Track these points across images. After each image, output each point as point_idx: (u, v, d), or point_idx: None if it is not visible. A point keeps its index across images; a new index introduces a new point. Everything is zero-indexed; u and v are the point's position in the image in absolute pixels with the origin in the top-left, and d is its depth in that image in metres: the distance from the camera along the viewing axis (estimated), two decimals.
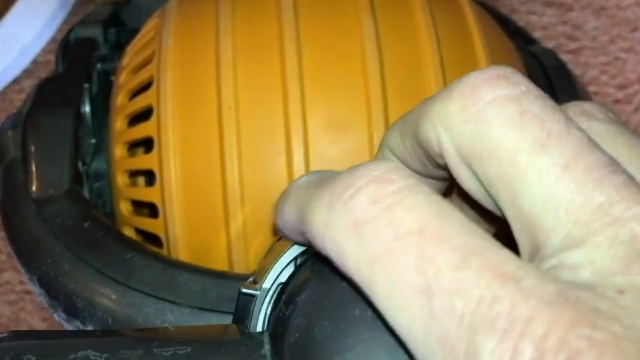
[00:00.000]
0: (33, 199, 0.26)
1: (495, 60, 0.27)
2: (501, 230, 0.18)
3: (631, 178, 0.14)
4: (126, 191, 0.28)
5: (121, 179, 0.28)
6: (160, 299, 0.23)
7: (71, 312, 0.24)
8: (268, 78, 0.25)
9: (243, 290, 0.19)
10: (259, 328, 0.19)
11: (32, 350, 0.17)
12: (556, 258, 0.13)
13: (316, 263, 0.18)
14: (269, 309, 0.19)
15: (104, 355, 0.17)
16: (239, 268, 0.26)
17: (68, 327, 0.25)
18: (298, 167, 0.25)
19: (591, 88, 0.47)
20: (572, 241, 0.13)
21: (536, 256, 0.14)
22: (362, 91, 0.25)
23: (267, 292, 0.19)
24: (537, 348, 0.11)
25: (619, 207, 0.13)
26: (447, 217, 0.14)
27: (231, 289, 0.23)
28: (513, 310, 0.12)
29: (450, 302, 0.12)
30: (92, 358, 0.17)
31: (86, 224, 0.25)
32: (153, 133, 0.27)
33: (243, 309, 0.20)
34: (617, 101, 0.45)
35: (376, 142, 0.24)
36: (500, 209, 0.15)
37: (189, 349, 0.18)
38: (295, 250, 0.20)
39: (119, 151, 0.28)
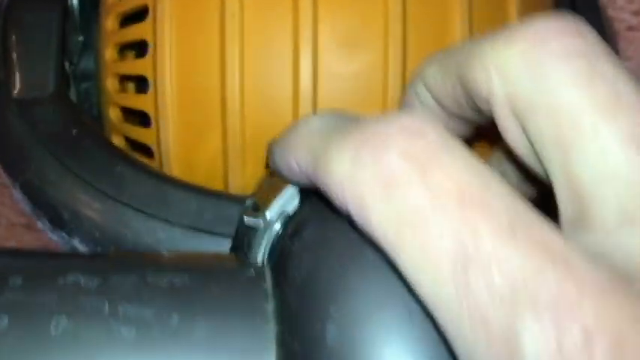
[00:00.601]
0: (15, 100, 0.25)
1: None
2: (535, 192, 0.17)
3: None
4: (116, 97, 0.26)
5: (110, 84, 0.26)
6: (152, 216, 0.22)
7: (57, 223, 0.23)
8: None
9: (246, 220, 0.18)
10: (259, 260, 0.18)
11: (19, 271, 0.16)
12: (606, 233, 0.12)
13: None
14: (272, 241, 0.18)
15: (95, 280, 0.16)
16: (234, 187, 0.25)
17: (52, 237, 0.24)
18: (305, 84, 0.23)
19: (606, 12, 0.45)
20: (626, 218, 0.12)
21: (579, 226, 0.13)
22: (380, 6, 0.23)
23: (271, 224, 0.18)
24: (584, 334, 0.10)
25: None
26: (488, 182, 0.12)
27: (229, 210, 0.22)
28: (561, 292, 0.11)
29: (490, 276, 0.11)
30: (82, 284, 0.16)
31: (74, 131, 0.24)
32: (148, 37, 0.25)
33: (243, 238, 0.19)
34: (630, 28, 0.44)
35: (392, 63, 0.22)
36: (545, 171, 0.13)
37: (185, 279, 0.17)
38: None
39: (109, 53, 0.26)
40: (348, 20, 0.23)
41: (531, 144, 0.14)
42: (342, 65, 0.22)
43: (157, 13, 0.24)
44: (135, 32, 0.25)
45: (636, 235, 0.12)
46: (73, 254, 0.18)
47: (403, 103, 0.18)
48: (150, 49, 0.25)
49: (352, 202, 0.13)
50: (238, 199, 0.22)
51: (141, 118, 0.26)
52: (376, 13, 0.23)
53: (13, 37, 0.26)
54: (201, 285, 0.16)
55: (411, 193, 0.12)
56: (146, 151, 0.26)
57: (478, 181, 0.12)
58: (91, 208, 0.22)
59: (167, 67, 0.24)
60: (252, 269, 0.17)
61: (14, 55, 0.25)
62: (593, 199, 0.13)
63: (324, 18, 0.23)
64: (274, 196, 0.18)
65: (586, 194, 0.13)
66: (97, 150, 0.23)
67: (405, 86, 0.22)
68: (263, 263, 0.18)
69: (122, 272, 0.16)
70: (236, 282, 0.17)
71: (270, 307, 0.16)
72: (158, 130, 0.25)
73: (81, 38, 0.29)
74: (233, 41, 0.23)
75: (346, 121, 0.15)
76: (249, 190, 0.25)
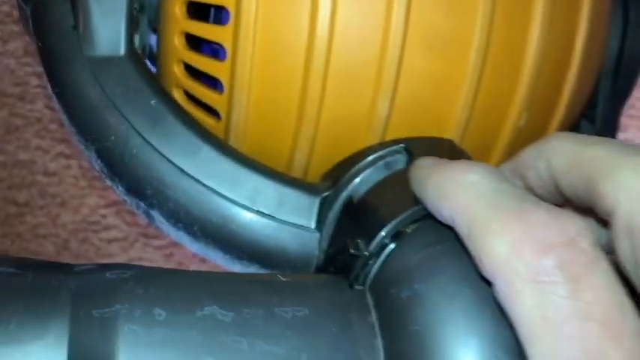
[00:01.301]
0: (87, 58, 0.24)
1: None
2: None
3: None
4: (185, 54, 0.26)
5: (178, 41, 0.26)
6: (236, 203, 0.23)
7: (138, 195, 0.23)
8: None
9: (351, 252, 0.19)
10: (359, 285, 0.19)
11: (160, 303, 0.17)
12: None
13: (445, 255, 0.18)
14: (373, 269, 0.19)
15: (230, 315, 0.17)
16: (300, 161, 0.26)
17: (128, 200, 0.24)
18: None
19: None
20: None
21: None
22: None
23: (373, 256, 0.19)
24: None
25: None
26: (626, 309, 0.14)
27: (307, 201, 0.23)
28: None
29: None
30: (219, 317, 0.17)
31: (153, 102, 0.23)
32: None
33: (341, 260, 0.20)
34: None
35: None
36: None
37: (306, 311, 0.18)
38: (403, 219, 0.20)
39: (179, 9, 0.25)
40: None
41: (637, 263, 0.16)
42: None
43: None
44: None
45: None
46: (204, 277, 0.18)
47: (518, 162, 0.19)
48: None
49: (502, 284, 0.15)
50: (316, 190, 0.23)
51: (210, 81, 0.26)
52: None
53: None
54: (319, 319, 0.18)
55: (560, 301, 0.14)
56: (209, 109, 0.27)
57: (619, 308, 0.14)
58: (176, 189, 0.23)
59: (250, 39, 0.24)
60: (358, 300, 0.19)
61: (82, 5, 0.24)
62: None
63: None
64: (379, 225, 0.19)
65: None
66: (181, 128, 0.23)
67: None
68: (364, 291, 0.19)
69: (252, 305, 0.18)
70: (347, 316, 0.18)
71: (379, 343, 0.18)
72: (231, 97, 0.25)
73: None
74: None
75: (509, 192, 0.16)
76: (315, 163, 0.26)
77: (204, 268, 0.55)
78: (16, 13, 0.53)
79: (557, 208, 0.16)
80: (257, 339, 0.17)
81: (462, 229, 0.17)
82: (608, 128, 0.32)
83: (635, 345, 0.14)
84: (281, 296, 0.18)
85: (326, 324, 0.18)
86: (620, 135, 0.54)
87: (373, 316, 0.19)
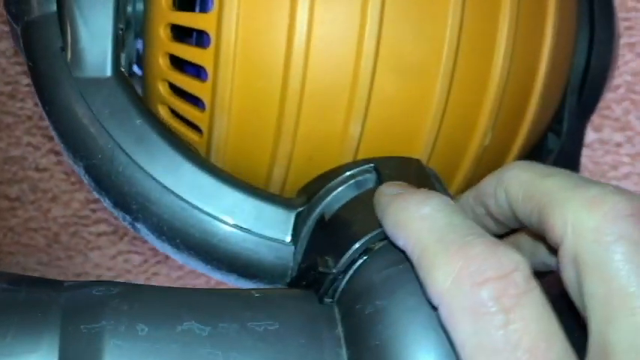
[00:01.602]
0: (74, 79, 0.25)
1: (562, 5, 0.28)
2: None
3: None
4: (168, 74, 0.27)
5: (162, 61, 0.27)
6: (216, 219, 0.24)
7: (123, 209, 0.25)
8: None
9: (320, 270, 0.21)
10: (327, 299, 0.21)
11: (143, 319, 0.19)
12: None
13: (406, 273, 0.20)
14: (341, 285, 0.21)
15: (207, 329, 0.19)
16: (278, 176, 0.27)
17: (115, 213, 0.26)
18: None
19: None
20: None
21: None
22: None
23: (340, 274, 0.21)
24: None
25: None
26: (554, 338, 0.16)
27: (286, 216, 0.25)
28: None
29: None
30: (197, 331, 0.19)
31: (138, 122, 0.25)
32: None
33: (311, 276, 0.22)
34: None
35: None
36: (586, 318, 0.17)
37: (276, 325, 0.20)
38: (370, 239, 0.21)
39: (163, 31, 0.27)
40: None
41: (581, 292, 0.17)
42: None
43: None
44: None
45: None
46: (184, 294, 0.20)
47: (479, 190, 0.21)
48: (214, 6, 0.25)
49: (444, 311, 0.17)
50: (292, 205, 0.25)
51: (193, 99, 0.28)
52: None
53: (70, 1, 0.26)
54: (289, 332, 0.20)
55: (493, 330, 0.16)
56: (193, 125, 0.28)
57: (547, 337, 0.16)
58: (160, 204, 0.24)
59: (230, 62, 0.25)
60: (326, 314, 0.20)
61: (70, 28, 0.26)
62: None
63: None
64: (345, 246, 0.21)
65: (612, 352, 0.16)
66: (165, 146, 0.24)
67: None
68: (333, 304, 0.21)
69: (226, 319, 0.19)
70: (315, 328, 0.20)
71: (344, 353, 0.20)
72: (212, 115, 0.26)
73: None
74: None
75: (457, 226, 0.18)
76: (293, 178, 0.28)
77: None
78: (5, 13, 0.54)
79: (498, 243, 0.17)
80: (231, 351, 0.19)
81: (413, 257, 0.18)
82: (573, 141, 0.34)
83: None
84: (254, 311, 0.20)
85: (295, 336, 0.20)
86: (595, 135, 0.56)
87: (340, 329, 0.20)
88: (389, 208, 0.20)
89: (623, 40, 0.53)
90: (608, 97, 0.55)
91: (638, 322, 0.16)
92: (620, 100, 0.55)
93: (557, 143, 0.34)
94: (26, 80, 0.55)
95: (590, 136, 0.55)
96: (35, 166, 0.58)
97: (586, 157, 0.55)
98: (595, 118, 0.55)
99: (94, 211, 0.59)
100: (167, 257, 0.62)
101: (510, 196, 0.20)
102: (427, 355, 0.18)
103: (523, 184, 0.19)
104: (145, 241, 0.65)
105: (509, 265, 0.17)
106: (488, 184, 0.21)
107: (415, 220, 0.19)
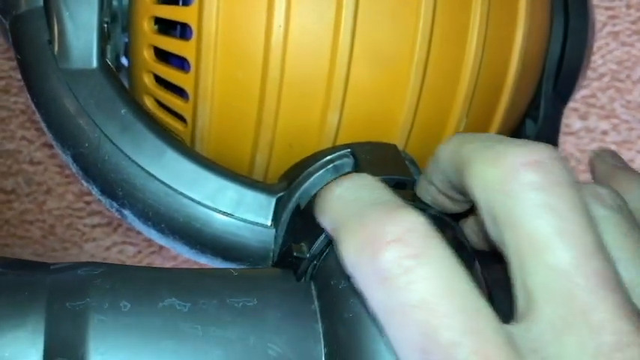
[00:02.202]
0: (61, 70, 0.26)
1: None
2: None
3: (628, 299, 0.17)
4: (152, 66, 0.28)
5: (147, 54, 0.28)
6: (199, 203, 0.25)
7: (110, 195, 0.26)
8: None
9: (295, 255, 0.22)
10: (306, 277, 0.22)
11: (126, 296, 0.20)
12: (542, 334, 0.16)
13: None
14: (316, 265, 0.22)
15: (187, 305, 0.20)
16: (260, 163, 0.28)
17: (102, 200, 0.27)
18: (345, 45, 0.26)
19: None
20: (562, 327, 0.16)
21: (527, 317, 0.17)
22: None
23: (315, 257, 0.22)
24: None
25: (608, 328, 0.16)
26: (459, 292, 0.16)
27: (266, 201, 0.25)
28: None
29: None
30: (177, 307, 0.20)
31: (123, 111, 0.26)
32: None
33: (290, 259, 0.23)
34: None
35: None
36: (508, 263, 0.18)
37: (255, 301, 0.21)
38: None
39: (147, 23, 0.28)
40: None
41: (500, 244, 0.18)
42: None
43: None
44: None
45: (566, 344, 0.16)
46: (164, 274, 0.21)
47: (427, 169, 0.22)
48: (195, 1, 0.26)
49: (358, 280, 0.18)
50: (273, 190, 0.26)
51: (177, 90, 0.29)
52: None
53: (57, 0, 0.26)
54: (267, 307, 0.21)
55: (397, 292, 0.17)
56: (178, 115, 0.29)
57: (447, 291, 0.16)
58: (145, 190, 0.25)
59: (211, 54, 0.26)
60: (302, 291, 0.21)
61: (57, 21, 0.26)
62: (539, 304, 0.17)
63: None
64: (319, 230, 0.22)
65: (534, 298, 0.17)
66: (149, 134, 0.25)
67: None
68: (309, 282, 0.22)
69: (207, 296, 0.20)
70: (292, 304, 0.21)
71: (319, 327, 0.21)
72: (196, 105, 0.27)
73: None
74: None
75: (364, 199, 0.18)
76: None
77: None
78: None
79: (396, 206, 0.18)
80: (211, 325, 0.20)
81: (333, 238, 0.19)
82: (550, 127, 0.35)
83: (469, 316, 0.16)
84: (233, 288, 0.21)
85: (272, 311, 0.21)
86: (581, 123, 0.57)
87: (316, 304, 0.21)
88: (321, 192, 0.20)
89: (607, 29, 0.54)
90: (594, 85, 0.56)
91: (547, 262, 0.17)
92: (605, 88, 0.56)
93: (535, 129, 0.35)
94: (19, 75, 0.56)
95: (576, 124, 0.56)
96: (30, 160, 0.59)
97: (572, 144, 0.56)
98: (581, 107, 0.56)
99: (88, 203, 0.60)
100: (161, 248, 0.63)
101: (444, 168, 0.20)
102: None
103: (449, 152, 0.20)
104: (139, 233, 0.66)
105: (404, 226, 0.17)
106: (430, 160, 0.21)
107: (329, 201, 0.19)
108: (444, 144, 0.20)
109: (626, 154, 0.56)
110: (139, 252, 0.60)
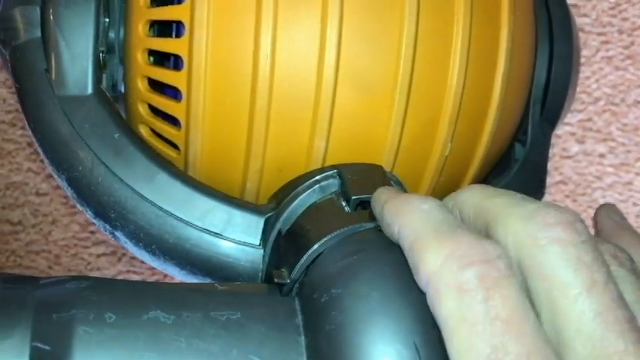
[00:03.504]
0: (57, 97, 0.27)
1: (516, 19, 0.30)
2: None
3: None
4: (146, 95, 0.29)
5: (141, 84, 0.29)
6: (189, 224, 0.26)
7: (103, 218, 0.27)
8: None
9: (276, 280, 0.23)
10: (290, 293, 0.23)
11: (112, 308, 0.20)
12: None
13: (360, 263, 0.21)
14: (300, 278, 0.23)
15: (172, 317, 0.21)
16: (250, 189, 0.29)
17: (96, 222, 0.27)
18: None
19: None
20: None
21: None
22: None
23: (295, 282, 0.22)
24: None
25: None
26: (528, 315, 0.18)
27: (254, 221, 0.26)
28: None
29: None
30: (162, 320, 0.20)
31: (116, 135, 0.27)
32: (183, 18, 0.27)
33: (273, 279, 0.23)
34: None
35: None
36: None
37: (238, 315, 0.21)
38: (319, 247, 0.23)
39: (141, 56, 0.29)
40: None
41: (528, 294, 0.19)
42: None
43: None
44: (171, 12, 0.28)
45: None
46: (150, 287, 0.22)
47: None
48: (186, 32, 0.27)
49: (431, 290, 0.19)
50: (261, 210, 0.27)
51: (170, 118, 0.30)
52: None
53: (55, 28, 0.28)
54: (249, 320, 0.21)
55: (475, 305, 0.18)
56: (171, 143, 0.30)
57: (521, 313, 0.18)
58: (136, 212, 0.26)
59: (201, 84, 0.27)
60: (286, 305, 0.22)
61: (53, 51, 0.28)
62: (568, 344, 0.18)
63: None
64: (302, 258, 0.23)
65: (565, 340, 0.18)
66: (140, 157, 0.26)
67: None
68: (293, 297, 0.23)
69: (191, 309, 0.21)
70: (275, 318, 0.22)
71: (302, 340, 0.21)
72: (188, 133, 0.28)
73: (107, 20, 0.31)
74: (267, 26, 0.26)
75: (449, 222, 0.20)
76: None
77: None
78: None
79: (484, 237, 0.20)
80: (194, 338, 0.20)
81: (406, 243, 0.21)
82: (538, 151, 0.36)
83: (534, 341, 0.18)
84: (217, 302, 0.21)
85: (256, 325, 0.21)
86: (578, 147, 0.57)
87: (299, 319, 0.22)
88: (392, 200, 0.22)
89: (600, 54, 0.55)
90: (589, 109, 0.56)
91: (578, 309, 0.18)
92: (600, 112, 0.56)
93: (523, 153, 0.35)
94: None
95: (573, 147, 0.57)
96: (36, 191, 0.60)
97: (570, 168, 0.57)
98: (577, 130, 0.57)
99: (93, 232, 0.60)
100: (165, 276, 0.64)
101: (464, 215, 0.22)
102: (377, 337, 0.20)
103: (473, 204, 0.22)
104: (144, 262, 0.66)
105: (493, 253, 0.19)
106: (447, 203, 0.23)
107: (415, 211, 0.21)
108: (464, 192, 0.22)
109: (624, 177, 0.56)
110: (143, 280, 0.61)
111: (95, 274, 0.61)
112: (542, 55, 0.34)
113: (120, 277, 0.61)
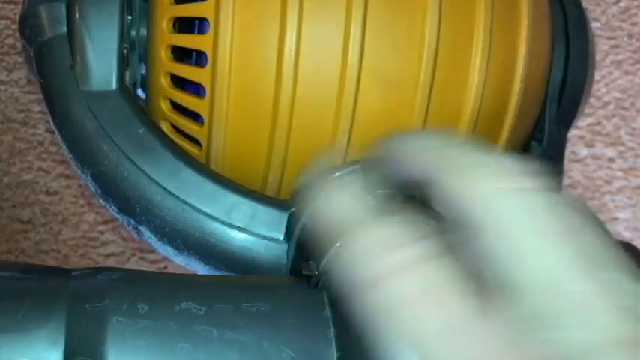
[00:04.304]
0: (82, 92, 0.28)
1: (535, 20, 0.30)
2: None
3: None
4: (169, 92, 0.29)
5: (164, 80, 0.29)
6: (214, 219, 0.26)
7: (128, 212, 0.27)
8: None
9: (304, 272, 0.23)
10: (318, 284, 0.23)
11: (144, 299, 0.20)
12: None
13: None
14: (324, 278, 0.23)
15: (203, 309, 0.21)
16: (272, 183, 0.29)
17: (119, 218, 0.28)
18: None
19: None
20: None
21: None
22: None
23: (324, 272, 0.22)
24: None
25: None
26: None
27: (278, 217, 0.27)
28: None
29: None
30: (194, 310, 0.21)
31: (141, 130, 0.27)
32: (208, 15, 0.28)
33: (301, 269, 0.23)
34: None
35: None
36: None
37: (268, 306, 0.22)
38: None
39: (164, 52, 0.29)
40: None
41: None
42: None
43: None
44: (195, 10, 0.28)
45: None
46: (181, 279, 0.22)
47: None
48: (210, 29, 0.28)
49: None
50: (285, 205, 0.27)
51: (192, 115, 0.30)
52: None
53: (80, 23, 0.28)
54: (278, 312, 0.21)
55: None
56: (192, 139, 0.30)
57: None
58: (162, 207, 0.26)
59: (225, 79, 0.27)
60: (315, 297, 0.22)
61: (79, 47, 0.28)
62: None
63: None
64: (326, 248, 0.23)
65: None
66: (166, 153, 0.27)
67: None
68: (321, 289, 0.23)
69: (223, 300, 0.21)
70: (304, 310, 0.22)
71: (331, 332, 0.22)
72: (210, 130, 0.29)
73: (129, 17, 0.31)
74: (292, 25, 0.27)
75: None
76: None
77: None
78: (19, 46, 0.57)
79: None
80: (225, 329, 0.21)
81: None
82: (554, 149, 0.36)
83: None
84: (248, 294, 0.22)
85: (285, 317, 0.21)
86: (587, 151, 0.58)
87: (328, 311, 0.22)
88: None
89: (610, 59, 0.55)
90: (599, 113, 0.57)
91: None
92: (610, 116, 0.56)
93: (540, 151, 0.36)
94: (38, 107, 0.58)
95: (582, 151, 0.57)
96: (46, 190, 0.60)
97: (579, 172, 0.57)
98: (586, 134, 0.57)
99: (102, 232, 0.61)
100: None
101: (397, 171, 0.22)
102: None
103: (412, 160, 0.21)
104: (152, 262, 0.67)
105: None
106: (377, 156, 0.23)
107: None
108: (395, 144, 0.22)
109: (633, 181, 0.57)
110: None
111: None
112: (559, 55, 0.35)
113: None
